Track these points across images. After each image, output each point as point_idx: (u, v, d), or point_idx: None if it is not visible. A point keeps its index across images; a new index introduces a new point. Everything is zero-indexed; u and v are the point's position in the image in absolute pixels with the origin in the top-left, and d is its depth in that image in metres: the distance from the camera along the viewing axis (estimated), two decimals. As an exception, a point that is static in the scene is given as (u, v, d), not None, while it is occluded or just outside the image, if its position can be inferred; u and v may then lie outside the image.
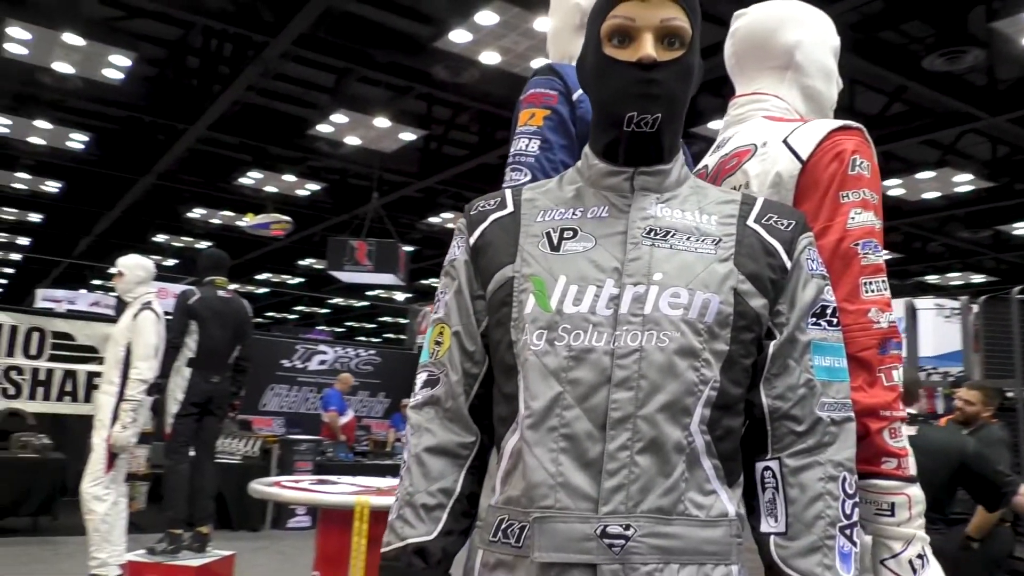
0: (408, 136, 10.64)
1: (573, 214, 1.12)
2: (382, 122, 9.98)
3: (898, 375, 1.22)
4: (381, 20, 8.04)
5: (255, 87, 9.22)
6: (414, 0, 7.90)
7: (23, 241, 19.07)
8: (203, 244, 17.07)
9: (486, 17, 7.37)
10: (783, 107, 1.47)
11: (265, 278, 21.83)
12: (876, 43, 7.44)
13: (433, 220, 14.69)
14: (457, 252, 1.19)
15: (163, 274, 18.52)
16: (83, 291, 17.73)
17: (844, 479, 1.05)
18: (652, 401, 0.99)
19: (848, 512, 1.05)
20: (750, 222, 1.11)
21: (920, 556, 1.18)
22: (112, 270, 5.01)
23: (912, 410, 3.73)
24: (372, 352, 11.70)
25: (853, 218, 1.26)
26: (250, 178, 12.97)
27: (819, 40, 1.50)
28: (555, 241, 1.10)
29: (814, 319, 1.10)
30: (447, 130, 10.84)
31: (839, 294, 1.19)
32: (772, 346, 1.07)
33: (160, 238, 17.31)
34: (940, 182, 10.82)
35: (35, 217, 16.60)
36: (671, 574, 0.97)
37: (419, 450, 1.13)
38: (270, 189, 13.43)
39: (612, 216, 1.10)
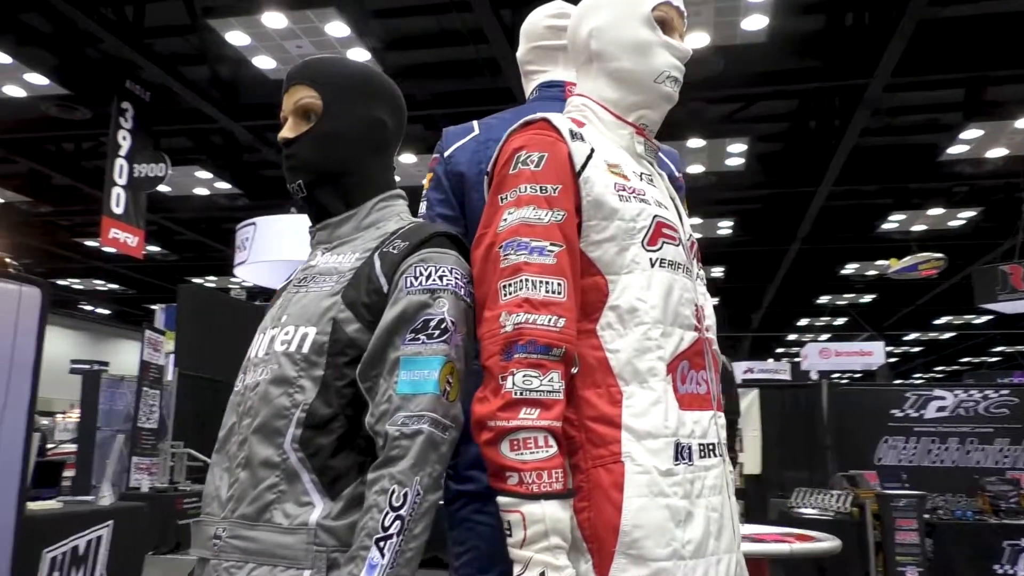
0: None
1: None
2: None
3: (515, 381, 1.09)
4: (987, 11, 7.01)
5: (870, 129, 8.78)
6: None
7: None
8: (866, 298, 17.88)
9: None
10: (580, 103, 1.39)
11: (945, 321, 20.37)
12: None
13: None
14: None
15: (836, 333, 21.09)
16: (770, 360, 20.65)
17: (393, 492, 1.06)
18: (253, 425, 1.17)
19: (387, 525, 1.05)
20: (376, 252, 1.21)
21: None
22: None
23: None
24: (1006, 393, 8.31)
25: (505, 219, 1.19)
26: (892, 221, 12.47)
27: (616, 18, 1.37)
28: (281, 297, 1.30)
29: (412, 335, 1.13)
30: None
31: (486, 304, 1.17)
32: (359, 366, 1.15)
33: (823, 299, 17.64)
34: None
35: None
36: (247, 571, 1.12)
37: None
38: (918, 228, 12.60)
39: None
